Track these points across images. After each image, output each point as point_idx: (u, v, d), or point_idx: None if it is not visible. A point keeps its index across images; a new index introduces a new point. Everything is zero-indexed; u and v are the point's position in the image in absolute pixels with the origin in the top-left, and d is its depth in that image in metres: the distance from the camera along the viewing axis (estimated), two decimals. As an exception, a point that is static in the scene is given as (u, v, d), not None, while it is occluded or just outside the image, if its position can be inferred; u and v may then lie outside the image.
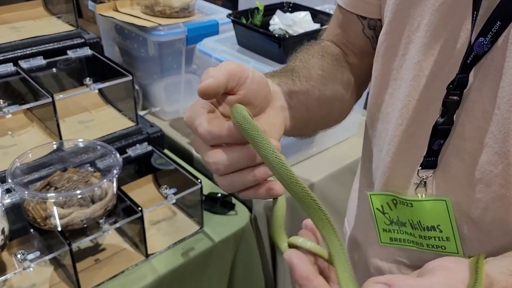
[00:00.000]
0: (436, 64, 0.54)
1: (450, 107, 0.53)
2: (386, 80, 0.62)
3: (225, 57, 1.23)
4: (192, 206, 1.12)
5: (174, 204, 1.17)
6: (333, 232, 0.39)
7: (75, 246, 0.89)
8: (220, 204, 1.17)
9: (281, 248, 0.44)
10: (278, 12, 1.20)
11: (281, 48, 1.14)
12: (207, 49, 1.27)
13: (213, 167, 0.44)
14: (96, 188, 0.91)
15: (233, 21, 1.24)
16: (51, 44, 1.18)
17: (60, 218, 0.87)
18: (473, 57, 0.50)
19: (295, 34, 1.15)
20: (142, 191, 1.18)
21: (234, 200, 1.19)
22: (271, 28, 1.22)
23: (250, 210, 1.21)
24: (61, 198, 0.86)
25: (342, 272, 0.39)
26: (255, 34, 1.20)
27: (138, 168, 1.21)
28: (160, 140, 1.20)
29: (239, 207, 1.19)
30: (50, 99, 0.98)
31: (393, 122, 0.60)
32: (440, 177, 0.57)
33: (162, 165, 1.19)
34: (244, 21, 1.26)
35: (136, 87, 1.50)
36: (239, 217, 1.15)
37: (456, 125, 0.54)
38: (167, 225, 1.11)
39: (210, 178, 1.30)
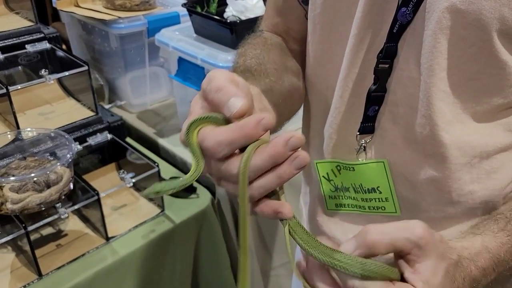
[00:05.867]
0: (369, 36, 0.57)
1: (381, 75, 0.56)
2: (326, 57, 0.64)
3: (182, 45, 1.26)
4: (153, 190, 1.15)
5: (136, 190, 1.20)
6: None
7: (32, 230, 0.92)
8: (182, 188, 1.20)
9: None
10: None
11: (234, 34, 1.17)
12: (165, 39, 1.30)
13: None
14: (51, 174, 0.94)
15: (188, 10, 1.27)
16: (9, 40, 1.21)
17: (16, 203, 0.89)
18: (398, 26, 0.53)
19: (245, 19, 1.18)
20: (106, 178, 1.21)
21: (195, 184, 1.22)
22: (225, 15, 1.26)
23: (213, 193, 1.24)
24: (14, 182, 0.89)
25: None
26: (209, 22, 1.23)
27: (102, 157, 1.24)
28: (121, 129, 1.23)
29: (201, 190, 1.22)
30: (4, 91, 1.00)
31: (334, 95, 0.62)
32: (377, 141, 0.61)
33: (125, 153, 1.22)
34: (199, 10, 1.29)
35: (101, 81, 1.53)
36: (200, 200, 1.19)
37: (389, 92, 0.57)
38: (129, 210, 1.14)
39: (173, 164, 1.33)
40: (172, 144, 1.39)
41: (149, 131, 1.45)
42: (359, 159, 0.62)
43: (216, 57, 1.17)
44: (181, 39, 1.28)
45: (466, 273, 0.45)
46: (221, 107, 0.41)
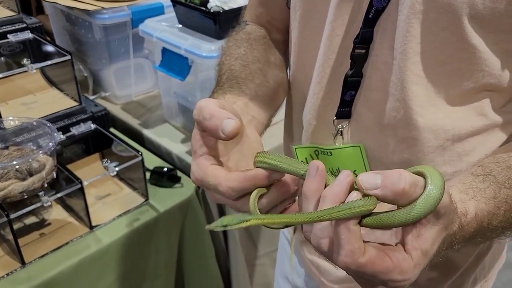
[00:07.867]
0: (346, 22, 0.58)
1: (357, 60, 0.58)
2: (304, 44, 0.65)
3: (166, 36, 1.26)
4: (136, 180, 1.16)
5: (121, 179, 1.20)
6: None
7: (15, 218, 0.92)
8: (166, 178, 1.21)
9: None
10: (213, -11, 1.24)
11: (217, 24, 1.18)
12: (149, 29, 1.30)
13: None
14: (33, 162, 0.94)
15: (172, 0, 1.27)
16: (-9, 30, 1.20)
17: (-2, 191, 0.90)
18: (374, 12, 0.54)
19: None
20: (90, 168, 1.21)
21: (179, 173, 1.23)
22: (209, 6, 1.26)
23: (197, 182, 1.24)
24: (-4, 170, 0.89)
25: None
26: (193, 12, 1.23)
27: (86, 147, 1.24)
28: (105, 119, 1.23)
29: (185, 179, 1.22)
30: (-15, 79, 1.00)
31: (312, 81, 0.64)
32: (353, 126, 0.62)
33: (109, 143, 1.22)
34: (183, 0, 1.29)
35: (85, 73, 1.52)
36: (184, 189, 1.19)
37: (364, 77, 0.58)
38: (113, 199, 1.14)
39: (158, 155, 1.34)
40: (157, 134, 1.39)
41: (134, 123, 1.45)
42: (336, 144, 0.63)
43: (199, 47, 1.17)
44: (165, 29, 1.28)
45: (452, 239, 0.45)
46: (216, 130, 0.45)
